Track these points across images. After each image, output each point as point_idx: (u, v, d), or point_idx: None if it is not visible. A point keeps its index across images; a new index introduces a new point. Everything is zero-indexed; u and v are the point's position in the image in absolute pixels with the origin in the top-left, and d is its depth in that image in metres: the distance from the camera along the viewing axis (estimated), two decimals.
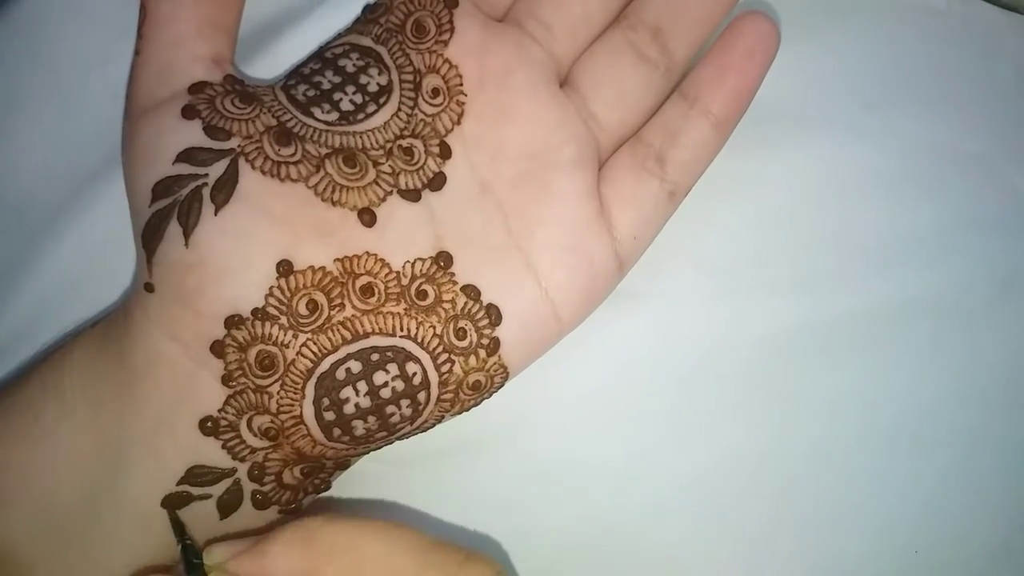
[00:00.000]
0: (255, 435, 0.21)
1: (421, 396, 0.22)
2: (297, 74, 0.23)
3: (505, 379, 0.23)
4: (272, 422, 0.21)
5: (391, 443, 0.23)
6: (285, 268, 0.21)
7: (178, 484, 0.21)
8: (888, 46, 0.27)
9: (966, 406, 0.26)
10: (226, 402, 0.21)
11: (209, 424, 0.21)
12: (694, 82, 0.24)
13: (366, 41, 0.23)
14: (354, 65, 0.23)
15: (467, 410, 0.23)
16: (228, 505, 0.22)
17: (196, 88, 0.22)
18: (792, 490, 0.26)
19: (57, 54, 0.26)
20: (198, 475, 0.21)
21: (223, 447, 0.21)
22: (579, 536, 0.25)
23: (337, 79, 0.23)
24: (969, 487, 0.26)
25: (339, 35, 0.24)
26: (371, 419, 0.21)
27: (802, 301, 0.26)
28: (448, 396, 0.22)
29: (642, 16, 0.24)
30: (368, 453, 0.23)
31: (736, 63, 0.23)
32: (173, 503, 0.21)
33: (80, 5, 0.26)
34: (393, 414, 0.21)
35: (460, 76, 0.23)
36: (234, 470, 0.21)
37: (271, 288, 0.20)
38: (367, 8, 0.24)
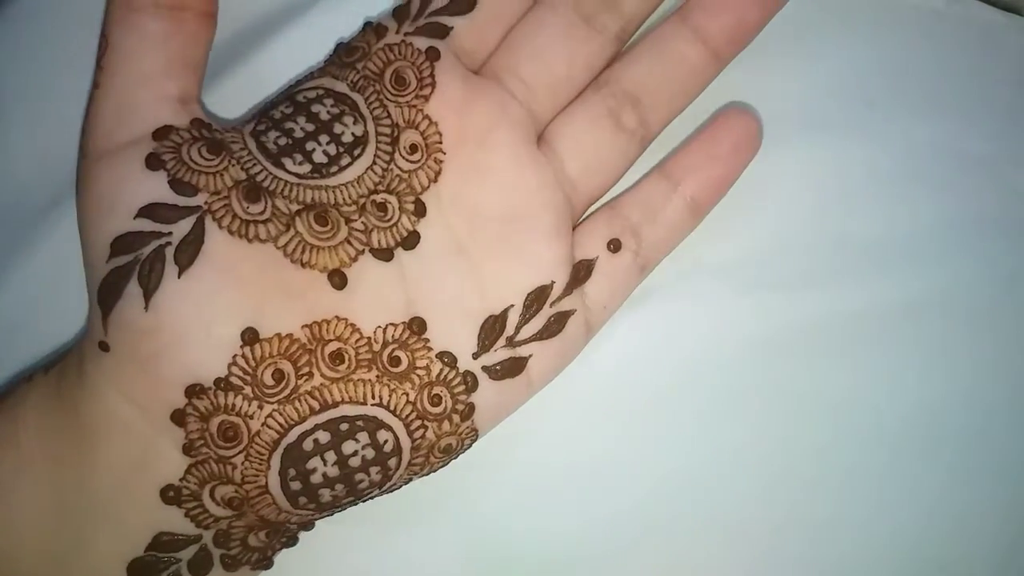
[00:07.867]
0: (218, 504, 0.20)
1: (392, 462, 0.21)
2: (268, 118, 0.22)
3: (475, 440, 0.23)
4: (236, 492, 0.20)
5: (357, 504, 0.22)
6: (250, 337, 0.20)
7: (145, 551, 0.20)
8: (888, 47, 0.27)
9: (970, 406, 0.26)
10: (187, 471, 0.20)
11: (171, 493, 0.20)
12: (679, 166, 0.24)
13: (341, 87, 0.22)
14: (328, 112, 0.22)
15: (435, 471, 0.23)
16: (199, 567, 0.21)
17: (161, 133, 0.21)
18: (796, 491, 0.26)
19: (53, 50, 0.25)
20: (164, 543, 0.20)
21: (186, 515, 0.20)
22: (578, 538, 0.25)
23: (310, 127, 0.21)
24: (973, 487, 0.26)
25: (311, 75, 0.23)
26: (339, 487, 0.21)
27: (803, 301, 0.26)
28: (419, 460, 0.22)
29: (622, 84, 0.24)
30: (334, 515, 0.22)
31: (724, 155, 0.24)
32: (141, 569, 0.20)
33: (75, 1, 0.24)
34: (362, 481, 0.21)
35: (440, 134, 0.22)
36: (200, 536, 0.21)
37: (235, 357, 0.19)
38: (341, 48, 0.23)
